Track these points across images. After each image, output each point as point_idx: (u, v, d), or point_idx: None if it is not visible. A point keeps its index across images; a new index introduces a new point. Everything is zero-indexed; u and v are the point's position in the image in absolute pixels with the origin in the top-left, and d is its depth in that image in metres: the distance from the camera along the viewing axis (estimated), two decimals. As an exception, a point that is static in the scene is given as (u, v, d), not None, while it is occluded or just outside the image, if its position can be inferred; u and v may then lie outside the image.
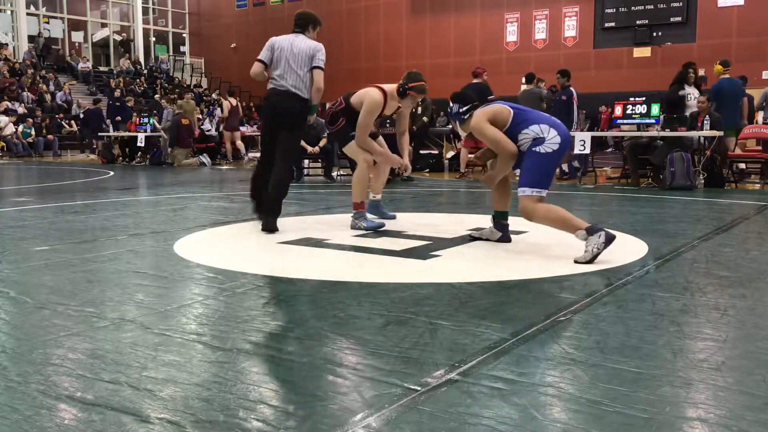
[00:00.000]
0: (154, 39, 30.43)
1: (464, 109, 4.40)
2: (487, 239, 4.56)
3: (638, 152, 9.45)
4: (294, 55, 5.09)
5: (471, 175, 10.73)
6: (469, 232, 4.80)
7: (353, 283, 3.44)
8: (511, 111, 4.23)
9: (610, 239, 3.81)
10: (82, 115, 19.39)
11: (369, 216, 5.27)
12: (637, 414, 1.80)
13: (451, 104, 4.49)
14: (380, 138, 5.49)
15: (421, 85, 5.15)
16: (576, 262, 3.81)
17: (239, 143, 15.74)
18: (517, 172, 4.49)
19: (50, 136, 20.48)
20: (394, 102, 5.24)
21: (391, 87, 5.21)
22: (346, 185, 5.71)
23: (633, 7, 19.85)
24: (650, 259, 3.97)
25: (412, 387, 1.98)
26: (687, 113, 9.44)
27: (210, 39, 29.68)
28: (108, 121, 17.53)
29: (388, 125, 8.73)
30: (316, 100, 5.17)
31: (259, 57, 5.23)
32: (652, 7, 19.54)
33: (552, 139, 4.09)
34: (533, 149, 4.11)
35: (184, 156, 14.63)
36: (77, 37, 28.21)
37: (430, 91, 6.43)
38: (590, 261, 3.76)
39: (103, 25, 29.52)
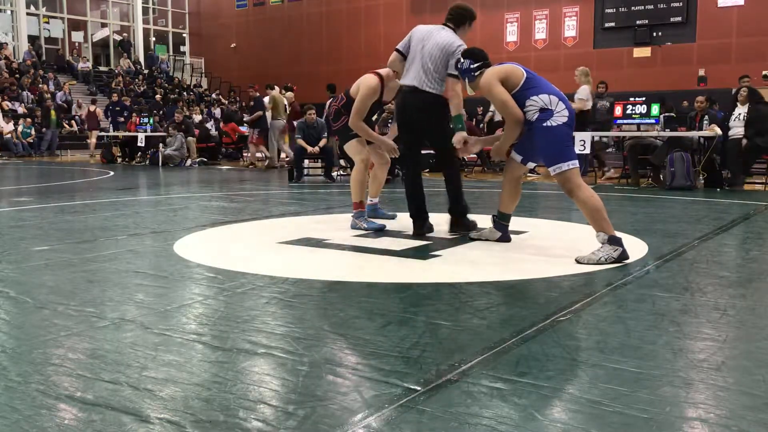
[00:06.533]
0: (154, 39, 30.43)
1: (476, 65, 4.27)
2: (486, 239, 4.55)
3: (638, 152, 9.46)
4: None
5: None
6: (468, 233, 4.80)
7: (353, 283, 3.44)
8: (525, 74, 4.11)
9: (622, 258, 3.79)
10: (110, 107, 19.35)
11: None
12: (637, 414, 1.79)
13: (461, 60, 4.37)
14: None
15: None
16: (577, 261, 3.80)
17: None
18: (529, 165, 4.46)
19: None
20: (393, 85, 5.18)
21: (386, 70, 5.16)
22: (346, 185, 5.71)
23: (633, 7, 19.84)
24: (650, 259, 3.97)
25: (412, 387, 1.98)
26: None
27: (210, 39, 29.68)
28: (108, 121, 17.64)
29: (390, 123, 8.72)
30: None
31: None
32: (652, 7, 19.54)
33: (560, 112, 4.00)
34: (543, 124, 4.00)
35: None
36: (77, 37, 28.20)
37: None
38: (592, 264, 3.75)
39: (103, 25, 29.51)
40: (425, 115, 4.82)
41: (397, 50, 4.96)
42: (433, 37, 4.79)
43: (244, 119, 14.41)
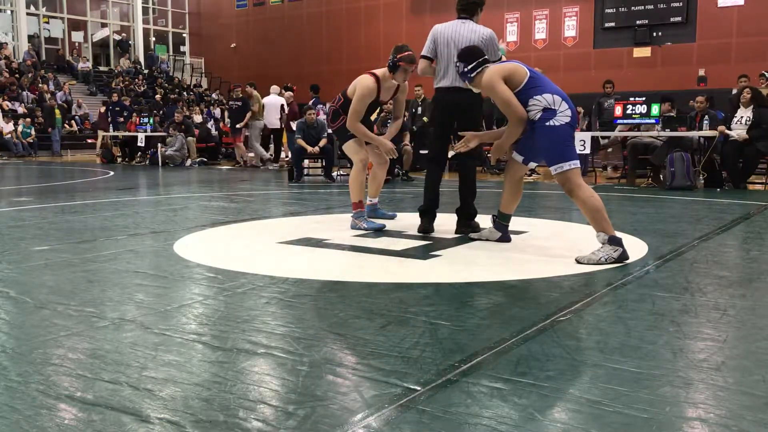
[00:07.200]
0: (154, 39, 30.43)
1: (470, 67, 4.26)
2: (486, 239, 4.55)
3: (638, 152, 9.46)
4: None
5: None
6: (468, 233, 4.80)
7: (353, 283, 3.44)
8: (528, 72, 4.10)
9: (622, 258, 3.79)
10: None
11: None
12: (637, 414, 1.80)
13: (457, 63, 4.37)
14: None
15: (410, 55, 5.03)
16: (578, 261, 3.80)
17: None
18: (531, 165, 4.46)
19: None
20: (389, 84, 5.21)
21: (382, 71, 5.17)
22: (346, 185, 5.71)
23: (633, 7, 19.82)
24: (650, 259, 3.97)
25: (412, 387, 1.98)
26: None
27: (210, 39, 29.67)
28: (108, 121, 17.63)
29: (389, 123, 8.73)
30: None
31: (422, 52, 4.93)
32: (652, 7, 19.52)
33: (563, 112, 3.99)
34: (546, 123, 3.99)
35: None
36: (77, 37, 28.20)
37: (429, 92, 6.42)
38: (592, 264, 3.75)
39: (103, 25, 29.51)
40: (467, 113, 4.84)
41: (425, 57, 4.91)
42: (461, 34, 4.78)
43: (237, 125, 14.28)
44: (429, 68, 4.93)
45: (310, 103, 13.00)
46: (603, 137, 11.12)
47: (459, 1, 4.96)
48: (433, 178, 5.05)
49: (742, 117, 8.87)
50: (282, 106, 13.96)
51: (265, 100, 14.24)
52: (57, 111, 20.31)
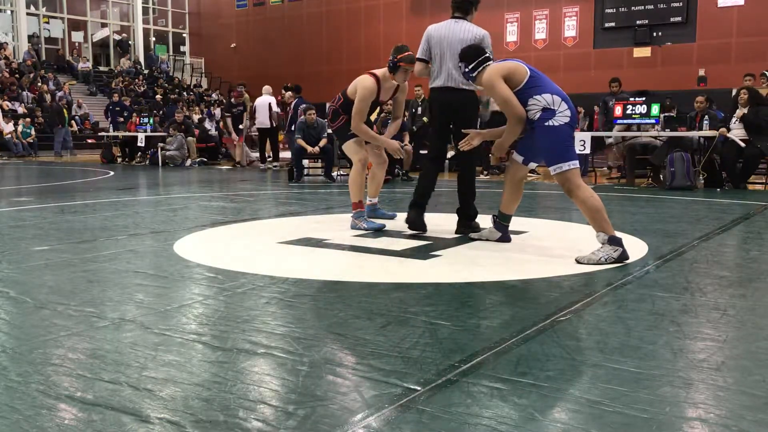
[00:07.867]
0: (154, 39, 30.43)
1: (470, 66, 4.28)
2: (486, 239, 4.55)
3: (637, 152, 9.46)
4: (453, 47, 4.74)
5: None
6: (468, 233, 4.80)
7: (353, 283, 3.44)
8: (528, 72, 4.10)
9: (622, 258, 3.79)
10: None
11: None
12: (637, 414, 1.80)
13: (459, 63, 4.41)
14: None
15: (410, 55, 5.04)
16: (578, 261, 3.80)
17: None
18: (531, 165, 4.45)
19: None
20: (389, 85, 5.22)
21: (382, 71, 5.18)
22: (346, 185, 5.71)
23: (633, 7, 19.83)
24: (650, 259, 3.97)
25: (412, 387, 1.98)
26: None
27: (210, 39, 29.68)
28: (108, 121, 17.63)
29: (389, 122, 8.73)
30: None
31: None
32: (652, 7, 19.53)
33: (563, 112, 3.99)
34: (545, 123, 3.98)
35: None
36: (77, 37, 28.21)
37: (429, 92, 6.46)
38: (592, 264, 3.75)
39: (103, 25, 29.51)
40: (461, 113, 4.84)
41: (420, 59, 4.94)
42: (454, 34, 4.79)
43: (240, 126, 14.34)
44: (425, 70, 4.95)
45: (294, 103, 13.03)
46: (608, 136, 11.12)
47: (453, 1, 4.96)
48: (427, 174, 5.07)
49: (741, 117, 8.88)
50: (270, 105, 13.96)
51: (258, 100, 14.24)
52: (65, 111, 20.26)
